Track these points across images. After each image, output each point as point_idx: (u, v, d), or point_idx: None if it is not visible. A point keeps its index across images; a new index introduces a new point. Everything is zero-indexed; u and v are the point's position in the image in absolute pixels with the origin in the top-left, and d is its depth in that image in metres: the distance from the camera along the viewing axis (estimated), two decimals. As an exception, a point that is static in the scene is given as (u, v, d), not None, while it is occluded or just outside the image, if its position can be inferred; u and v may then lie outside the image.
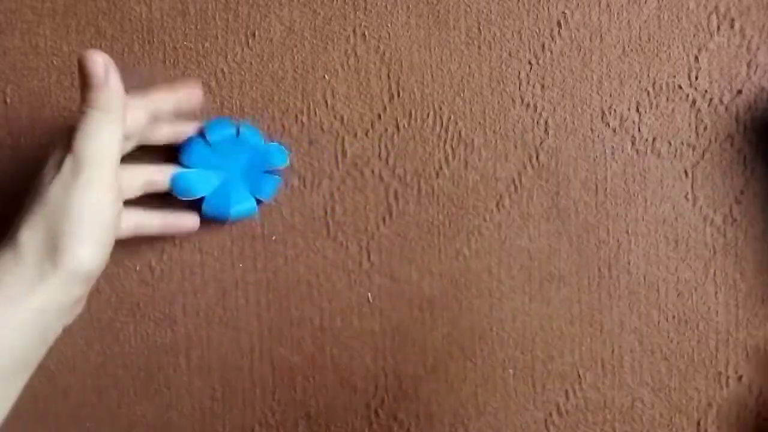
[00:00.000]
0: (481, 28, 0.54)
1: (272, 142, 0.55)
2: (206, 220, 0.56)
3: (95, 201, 0.45)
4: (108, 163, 0.46)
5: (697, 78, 0.54)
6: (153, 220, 0.53)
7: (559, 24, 0.54)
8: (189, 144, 0.53)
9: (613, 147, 0.54)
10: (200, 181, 0.54)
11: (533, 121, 0.54)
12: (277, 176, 0.55)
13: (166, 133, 0.52)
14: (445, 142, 0.55)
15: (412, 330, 0.56)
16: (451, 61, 0.55)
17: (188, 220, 0.54)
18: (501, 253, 0.55)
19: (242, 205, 0.55)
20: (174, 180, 0.53)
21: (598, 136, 0.54)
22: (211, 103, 0.55)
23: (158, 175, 0.52)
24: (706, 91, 0.54)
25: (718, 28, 0.53)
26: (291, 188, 0.56)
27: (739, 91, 0.53)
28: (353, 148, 0.55)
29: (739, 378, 0.55)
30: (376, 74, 0.55)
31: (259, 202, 0.55)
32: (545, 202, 0.55)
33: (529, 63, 0.54)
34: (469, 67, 0.55)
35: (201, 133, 0.53)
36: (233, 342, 0.57)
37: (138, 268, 0.57)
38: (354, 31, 0.55)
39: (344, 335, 0.56)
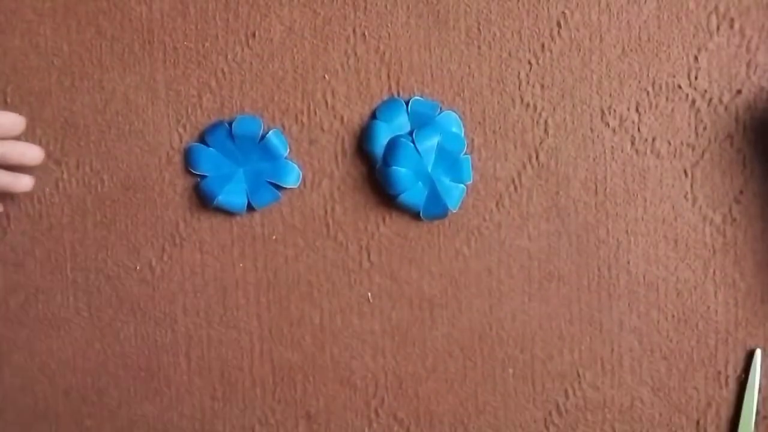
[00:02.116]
0: (480, 28, 0.54)
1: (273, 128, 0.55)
2: (208, 220, 0.56)
3: None
4: None
5: (696, 78, 0.54)
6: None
7: (558, 24, 0.54)
8: (214, 125, 0.55)
9: (612, 147, 0.54)
10: (208, 161, 0.55)
11: (533, 120, 0.55)
12: (278, 192, 0.55)
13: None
14: (445, 141, 0.55)
15: (412, 329, 0.56)
16: (451, 61, 0.55)
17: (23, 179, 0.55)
18: (501, 253, 0.55)
19: (232, 199, 0.55)
20: (189, 150, 0.55)
21: (598, 136, 0.54)
22: (212, 103, 0.56)
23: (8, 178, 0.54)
24: (705, 90, 0.54)
25: (718, 28, 0.53)
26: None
27: (739, 91, 0.53)
28: (353, 148, 0.55)
29: (739, 377, 0.55)
30: (376, 74, 0.55)
31: (250, 205, 0.55)
32: (545, 202, 0.55)
33: (529, 63, 0.54)
34: (469, 67, 0.55)
35: (230, 122, 0.55)
36: (233, 341, 0.57)
37: (138, 267, 0.57)
38: (354, 31, 0.55)
39: (344, 335, 0.56)
